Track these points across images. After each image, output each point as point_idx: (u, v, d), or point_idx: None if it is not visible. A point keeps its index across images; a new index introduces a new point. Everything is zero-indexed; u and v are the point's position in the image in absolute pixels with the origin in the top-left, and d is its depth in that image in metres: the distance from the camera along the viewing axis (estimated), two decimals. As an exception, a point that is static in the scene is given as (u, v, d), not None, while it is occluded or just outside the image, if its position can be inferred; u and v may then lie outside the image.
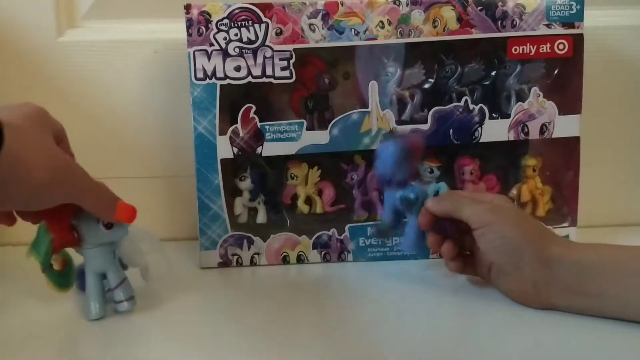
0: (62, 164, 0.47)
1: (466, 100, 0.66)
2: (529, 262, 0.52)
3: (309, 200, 0.67)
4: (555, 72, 0.67)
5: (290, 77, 0.63)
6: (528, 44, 0.65)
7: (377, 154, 0.60)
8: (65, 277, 0.54)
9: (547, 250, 0.52)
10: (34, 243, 0.52)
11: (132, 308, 0.54)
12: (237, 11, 0.62)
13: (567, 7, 0.65)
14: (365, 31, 0.63)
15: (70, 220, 0.52)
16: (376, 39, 0.64)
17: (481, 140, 0.66)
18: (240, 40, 0.62)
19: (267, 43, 0.63)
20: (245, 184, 0.66)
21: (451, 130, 0.66)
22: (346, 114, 0.65)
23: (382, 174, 0.59)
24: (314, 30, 0.63)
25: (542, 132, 0.66)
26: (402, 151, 0.58)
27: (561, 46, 0.65)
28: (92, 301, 0.53)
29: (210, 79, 0.63)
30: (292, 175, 0.66)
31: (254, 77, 0.63)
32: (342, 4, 0.63)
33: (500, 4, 0.64)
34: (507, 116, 0.66)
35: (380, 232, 0.64)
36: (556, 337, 0.49)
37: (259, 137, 0.64)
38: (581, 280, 0.51)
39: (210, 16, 0.62)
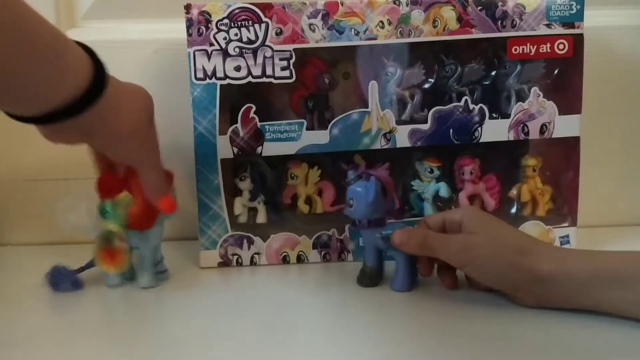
0: (147, 133, 0.54)
1: (466, 100, 0.66)
2: (524, 285, 0.52)
3: (309, 200, 0.67)
4: (555, 72, 0.67)
5: (290, 77, 0.63)
6: (528, 44, 0.65)
7: (350, 196, 0.58)
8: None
9: (537, 271, 0.51)
10: (104, 214, 0.58)
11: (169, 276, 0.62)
12: (237, 11, 0.62)
13: (567, 7, 0.65)
14: (365, 31, 0.63)
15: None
16: (376, 39, 0.64)
17: (481, 140, 0.66)
18: (240, 40, 0.62)
19: (267, 43, 0.63)
20: (245, 184, 0.66)
21: (451, 130, 0.66)
22: (346, 114, 0.65)
23: (360, 216, 0.58)
24: (314, 30, 0.63)
25: (542, 132, 0.66)
26: (374, 191, 0.57)
27: (561, 46, 0.65)
28: (145, 271, 0.60)
29: (210, 79, 0.63)
30: (292, 175, 0.66)
31: (254, 77, 0.63)
32: (342, 4, 0.63)
33: (500, 4, 0.64)
34: (507, 116, 0.66)
35: (366, 278, 0.60)
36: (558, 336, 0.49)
37: (259, 137, 0.64)
38: (577, 293, 0.50)
39: (210, 16, 0.62)
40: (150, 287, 0.60)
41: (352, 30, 0.63)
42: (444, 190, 0.67)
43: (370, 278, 0.60)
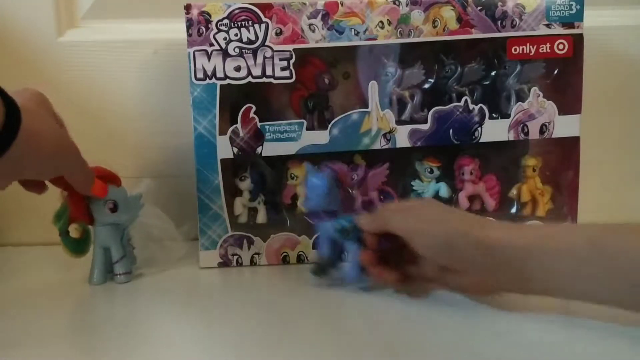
0: (66, 141, 0.55)
1: (466, 100, 0.66)
2: (470, 254, 0.50)
3: (309, 200, 0.67)
4: (555, 72, 0.67)
5: (290, 77, 0.63)
6: (528, 44, 0.65)
7: (306, 187, 0.60)
8: (80, 244, 0.62)
9: (484, 238, 0.50)
10: (56, 212, 0.61)
11: (127, 281, 0.62)
12: (237, 11, 0.62)
13: (567, 7, 0.65)
14: (365, 31, 0.63)
15: (86, 200, 0.60)
16: (376, 39, 0.64)
17: (481, 140, 0.66)
18: (240, 40, 0.62)
19: (267, 43, 0.63)
20: (245, 184, 0.66)
21: (451, 130, 0.66)
22: (346, 114, 0.65)
23: (312, 207, 0.59)
24: (313, 30, 0.63)
25: (542, 132, 0.66)
26: (330, 182, 0.58)
27: (561, 46, 0.65)
28: (95, 269, 0.61)
29: (210, 79, 0.63)
30: (292, 175, 0.66)
31: (254, 77, 0.63)
32: (342, 4, 0.63)
33: (500, 4, 0.64)
34: (507, 116, 0.66)
35: (320, 269, 0.60)
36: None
37: (259, 137, 0.64)
38: (525, 267, 0.49)
39: (210, 16, 0.62)
40: (97, 285, 0.61)
41: (352, 30, 0.63)
42: (444, 190, 0.67)
43: (324, 269, 0.60)
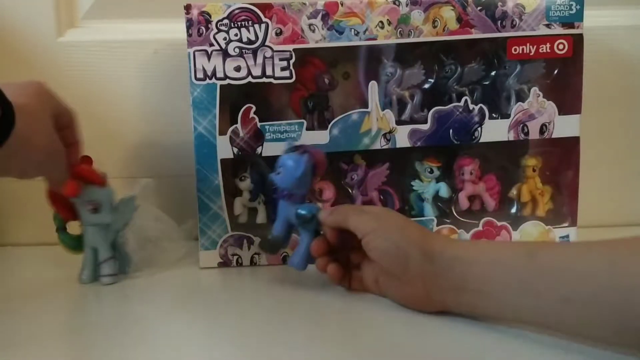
0: (55, 147, 0.55)
1: (466, 100, 0.66)
2: (415, 262, 0.52)
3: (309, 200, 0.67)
4: (555, 72, 0.67)
5: (290, 77, 0.63)
6: (528, 44, 0.65)
7: (280, 164, 0.58)
8: (77, 241, 0.62)
9: (430, 247, 0.52)
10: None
11: (111, 282, 0.61)
12: (237, 11, 0.62)
13: (567, 7, 0.65)
14: (365, 31, 0.63)
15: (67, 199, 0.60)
16: (376, 39, 0.64)
17: (481, 140, 0.66)
18: (240, 40, 0.62)
19: (267, 43, 0.63)
20: (245, 184, 0.66)
21: (451, 130, 0.66)
22: (346, 114, 0.65)
23: (283, 186, 0.58)
24: (313, 31, 0.63)
25: (542, 132, 0.66)
26: (307, 166, 0.57)
27: (561, 46, 0.65)
28: (85, 268, 0.62)
29: (210, 79, 0.63)
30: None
31: (254, 77, 0.63)
32: (342, 4, 0.63)
33: (500, 4, 0.64)
34: (507, 116, 0.66)
35: (269, 245, 0.61)
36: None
37: (259, 137, 0.64)
38: (462, 275, 0.50)
39: (210, 16, 0.62)
40: (86, 284, 0.61)
41: (352, 30, 0.63)
42: (444, 190, 0.67)
43: (272, 246, 0.61)
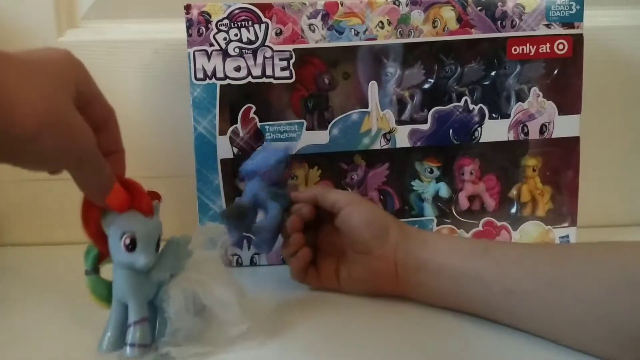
0: (60, 116, 0.37)
1: (466, 100, 0.66)
2: (394, 235, 0.55)
3: (309, 200, 0.67)
4: (555, 72, 0.67)
5: (290, 77, 0.63)
6: (528, 44, 0.65)
7: (258, 152, 0.60)
8: (110, 289, 0.46)
9: (406, 226, 0.56)
10: (88, 245, 0.46)
11: (137, 356, 0.44)
12: (237, 11, 0.62)
13: (566, 7, 0.65)
14: (365, 31, 0.63)
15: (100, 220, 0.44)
16: (376, 39, 0.64)
17: (481, 140, 0.66)
18: (240, 40, 0.62)
19: (267, 43, 0.63)
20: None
21: (451, 130, 0.66)
22: (346, 114, 0.65)
23: (258, 168, 0.58)
24: (313, 31, 0.63)
25: (541, 132, 0.66)
26: (283, 157, 0.58)
27: (561, 46, 0.65)
28: (107, 331, 0.46)
29: (210, 79, 0.63)
30: (292, 175, 0.66)
31: (254, 77, 0.63)
32: (342, 4, 0.63)
33: (500, 4, 0.64)
34: (507, 116, 0.66)
35: (232, 213, 0.56)
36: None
37: (259, 137, 0.64)
38: (427, 256, 0.53)
39: (210, 16, 0.62)
40: (106, 353, 0.46)
41: (352, 30, 0.63)
42: (444, 190, 0.67)
43: (237, 215, 0.56)
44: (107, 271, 0.47)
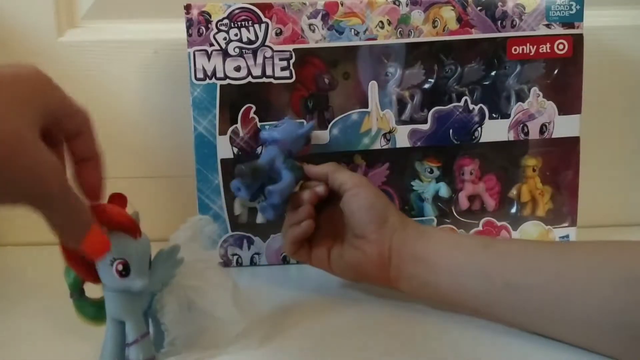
0: (23, 146, 0.32)
1: (466, 100, 0.66)
2: (393, 221, 0.55)
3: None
4: (555, 72, 0.67)
5: (290, 77, 0.63)
6: (528, 44, 0.65)
7: (284, 122, 0.61)
8: (99, 309, 0.45)
9: (406, 217, 0.57)
10: (66, 266, 0.44)
11: None
12: (237, 11, 0.62)
13: (566, 7, 0.65)
14: (365, 31, 0.63)
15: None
16: (376, 39, 0.64)
17: (481, 140, 0.66)
18: (240, 40, 0.62)
19: (267, 43, 0.63)
20: (245, 184, 0.66)
21: (451, 130, 0.66)
22: (346, 114, 0.65)
23: (276, 139, 0.59)
24: (313, 31, 0.63)
25: (542, 132, 0.66)
26: (308, 131, 0.61)
27: (561, 46, 0.65)
28: (104, 350, 0.44)
29: (210, 79, 0.63)
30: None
31: (254, 77, 0.63)
32: (342, 4, 0.63)
33: (500, 4, 0.64)
34: (507, 116, 0.66)
35: (248, 171, 0.57)
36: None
37: (258, 137, 0.64)
38: (425, 247, 0.53)
39: (210, 16, 0.62)
40: None
41: (352, 30, 0.63)
42: (444, 190, 0.67)
43: (253, 170, 0.57)
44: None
